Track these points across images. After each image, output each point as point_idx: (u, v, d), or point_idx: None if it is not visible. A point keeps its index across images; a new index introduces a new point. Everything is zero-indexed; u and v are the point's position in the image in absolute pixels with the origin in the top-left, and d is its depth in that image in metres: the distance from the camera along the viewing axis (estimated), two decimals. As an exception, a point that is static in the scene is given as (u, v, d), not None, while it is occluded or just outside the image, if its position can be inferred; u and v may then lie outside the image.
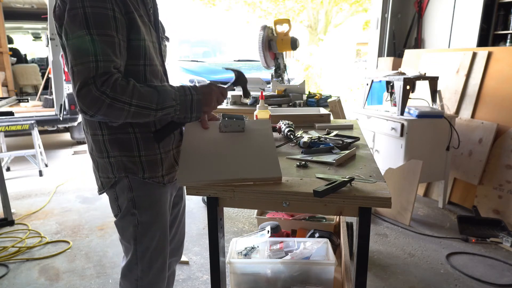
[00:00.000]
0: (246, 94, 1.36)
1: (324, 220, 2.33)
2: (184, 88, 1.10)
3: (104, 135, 1.11)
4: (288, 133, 1.62)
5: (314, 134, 1.64)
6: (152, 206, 1.18)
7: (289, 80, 3.29)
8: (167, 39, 1.27)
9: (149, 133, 1.12)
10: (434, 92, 3.06)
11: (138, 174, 1.13)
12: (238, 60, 5.64)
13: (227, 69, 1.41)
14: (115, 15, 0.98)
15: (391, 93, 3.26)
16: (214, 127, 1.23)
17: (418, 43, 4.46)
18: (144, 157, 1.13)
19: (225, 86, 1.22)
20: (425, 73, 3.10)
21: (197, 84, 1.16)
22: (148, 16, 1.12)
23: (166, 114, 1.06)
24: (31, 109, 5.18)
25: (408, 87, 2.90)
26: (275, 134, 1.74)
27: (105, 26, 0.96)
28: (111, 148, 1.11)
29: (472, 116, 3.21)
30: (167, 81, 1.24)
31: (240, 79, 1.32)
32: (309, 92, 2.99)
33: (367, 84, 3.41)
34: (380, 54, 4.74)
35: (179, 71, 5.14)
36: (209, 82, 1.16)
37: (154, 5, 1.17)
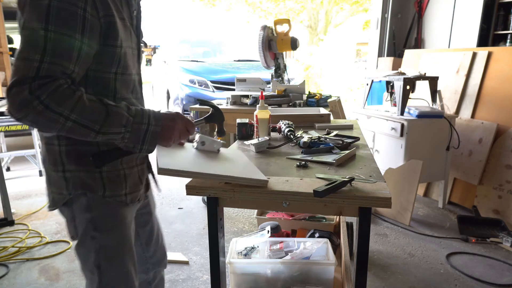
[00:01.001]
0: (221, 133, 1.21)
1: (324, 220, 2.33)
2: (143, 115, 0.95)
3: (61, 145, 0.97)
4: (288, 133, 1.62)
5: (314, 134, 1.64)
6: (115, 227, 1.05)
7: (289, 80, 3.29)
8: (145, 44, 1.15)
9: (112, 146, 0.98)
10: (434, 92, 3.06)
11: (98, 191, 0.99)
12: (238, 60, 5.64)
13: (202, 102, 1.26)
14: (86, 16, 0.86)
15: (391, 93, 3.26)
16: (187, 146, 1.16)
17: (418, 43, 4.46)
18: (105, 173, 0.99)
19: (195, 120, 1.10)
20: (425, 73, 3.10)
21: (164, 111, 1.01)
22: (131, 19, 1.02)
23: (111, 140, 0.92)
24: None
25: (408, 87, 2.90)
26: (275, 134, 1.74)
27: (68, 25, 0.84)
28: (67, 160, 0.97)
29: (472, 116, 3.21)
30: (141, 91, 1.13)
31: (215, 116, 1.18)
32: (309, 92, 2.99)
33: (367, 84, 3.41)
34: (380, 54, 4.74)
35: (179, 71, 5.14)
36: (176, 112, 1.01)
37: (138, 7, 1.06)
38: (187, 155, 1.09)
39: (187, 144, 1.16)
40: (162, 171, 0.93)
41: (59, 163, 0.98)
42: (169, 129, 0.99)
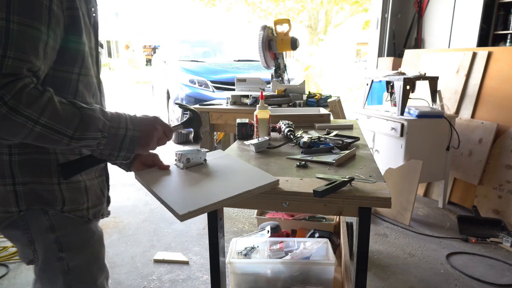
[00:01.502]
0: (197, 139, 1.15)
1: (324, 220, 2.34)
2: (120, 119, 0.87)
3: (13, 154, 0.84)
4: (288, 133, 1.62)
5: (314, 134, 1.64)
6: (84, 245, 0.95)
7: (289, 80, 3.29)
8: (101, 45, 1.03)
9: (73, 155, 0.90)
10: (434, 92, 3.06)
11: (56, 205, 0.88)
12: (238, 60, 5.64)
13: (180, 106, 1.20)
14: (52, 7, 0.77)
15: (391, 93, 3.26)
16: (173, 169, 1.11)
17: (418, 43, 4.46)
18: (64, 185, 0.88)
19: (173, 125, 1.02)
20: (425, 73, 3.10)
21: (141, 115, 0.94)
22: (89, 17, 0.91)
23: (85, 146, 0.83)
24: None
25: (408, 87, 2.90)
26: (275, 134, 1.74)
27: (33, 16, 0.74)
28: (20, 172, 0.85)
29: (472, 116, 3.21)
30: (102, 96, 1.03)
31: (193, 121, 1.12)
32: (309, 92, 2.99)
33: (367, 84, 3.41)
34: (380, 54, 4.74)
35: (179, 71, 5.14)
36: (154, 116, 0.95)
37: (95, 5, 0.95)
38: (187, 183, 1.04)
39: (172, 167, 1.12)
40: (185, 217, 0.85)
41: (8, 175, 0.85)
42: (149, 134, 0.92)
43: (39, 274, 0.95)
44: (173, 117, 5.26)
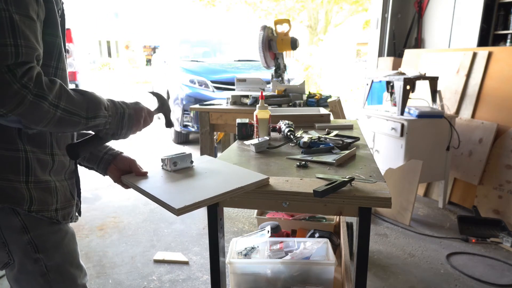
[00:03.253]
0: (169, 124, 1.16)
1: (324, 220, 2.33)
2: (113, 100, 0.91)
3: None
4: (288, 133, 1.62)
5: (314, 134, 1.64)
6: (59, 244, 0.94)
7: (289, 80, 3.29)
8: (67, 51, 1.03)
9: (44, 155, 0.89)
10: (434, 92, 3.06)
11: (23, 204, 0.85)
12: (238, 60, 5.63)
13: (152, 93, 1.21)
14: (39, 0, 0.78)
15: (391, 93, 3.26)
16: (158, 171, 1.13)
17: (418, 43, 4.46)
18: (32, 184, 0.87)
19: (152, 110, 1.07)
20: (425, 73, 3.10)
21: (125, 101, 0.97)
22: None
23: (96, 126, 0.86)
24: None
25: (408, 87, 2.90)
26: (275, 134, 1.74)
27: (27, 7, 0.75)
28: None
29: (472, 116, 3.21)
30: None
31: (163, 108, 1.13)
32: (309, 92, 2.99)
33: (367, 84, 3.41)
34: (380, 54, 4.74)
35: (179, 71, 5.14)
36: (135, 101, 1.00)
37: (62, 8, 0.94)
38: (179, 182, 1.05)
39: (159, 171, 1.13)
40: (182, 211, 0.86)
41: None
42: (139, 112, 0.97)
43: (17, 277, 0.93)
44: (173, 117, 5.26)
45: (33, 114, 0.74)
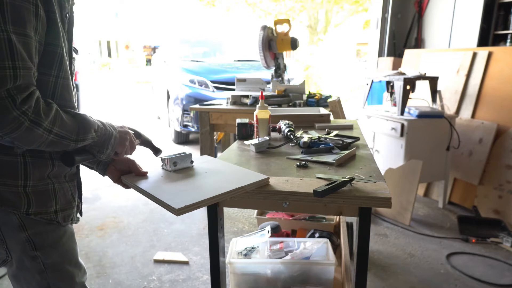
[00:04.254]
0: (157, 152, 1.17)
1: (324, 220, 2.33)
2: (103, 122, 0.95)
3: None
4: (288, 133, 1.62)
5: (314, 134, 1.64)
6: (58, 242, 0.95)
7: (289, 80, 3.29)
8: (76, 51, 1.04)
9: (43, 159, 0.91)
10: (434, 92, 3.06)
11: (21, 208, 0.87)
12: (238, 60, 5.63)
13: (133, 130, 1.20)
14: (38, 12, 0.79)
15: (391, 93, 3.26)
16: (158, 171, 1.13)
17: (418, 43, 4.46)
18: (30, 188, 0.88)
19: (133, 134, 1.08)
20: (425, 73, 3.10)
21: (112, 124, 1.01)
22: (63, 23, 0.90)
23: (84, 146, 0.91)
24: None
25: (408, 87, 2.90)
26: (275, 134, 1.74)
27: (25, 24, 0.76)
28: None
29: (472, 116, 3.21)
30: (78, 99, 1.06)
31: (144, 142, 1.14)
32: (309, 92, 2.99)
33: (367, 84, 3.41)
34: (380, 54, 4.74)
35: (179, 71, 5.14)
36: (123, 125, 1.03)
37: (71, 11, 0.95)
38: (179, 182, 1.05)
39: (159, 171, 1.13)
40: (181, 211, 0.87)
41: None
42: (124, 136, 1.00)
43: (15, 274, 0.94)
44: (173, 117, 5.26)
45: (27, 138, 0.78)
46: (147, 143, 1.14)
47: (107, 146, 0.95)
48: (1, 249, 0.90)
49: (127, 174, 1.10)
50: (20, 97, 0.73)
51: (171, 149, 5.27)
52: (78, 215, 1.05)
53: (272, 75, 3.11)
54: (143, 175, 1.09)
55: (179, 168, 1.14)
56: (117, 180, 1.10)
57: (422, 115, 2.89)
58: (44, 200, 0.90)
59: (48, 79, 0.87)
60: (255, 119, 1.62)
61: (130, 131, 1.04)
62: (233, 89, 3.22)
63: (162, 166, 1.16)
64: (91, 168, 1.12)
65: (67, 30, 0.93)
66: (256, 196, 1.05)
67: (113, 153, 0.98)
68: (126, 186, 1.09)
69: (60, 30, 0.87)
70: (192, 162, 1.18)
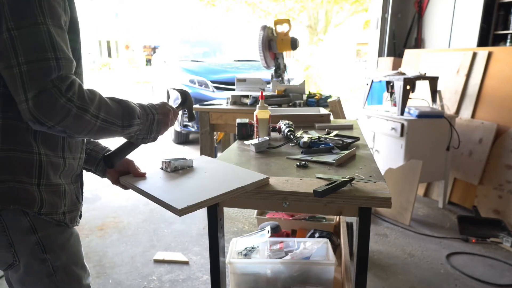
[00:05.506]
0: (191, 117, 1.23)
1: (324, 220, 2.33)
2: (144, 106, 0.97)
3: None
4: (288, 133, 1.62)
5: (314, 134, 1.64)
6: (66, 244, 0.94)
7: (289, 80, 3.29)
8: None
9: (57, 158, 0.90)
10: (434, 92, 3.06)
11: (34, 207, 0.85)
12: (238, 60, 5.63)
13: (173, 89, 1.32)
14: (65, 7, 0.81)
15: (391, 93, 3.26)
16: (156, 172, 1.13)
17: (418, 43, 4.46)
18: (44, 186, 0.87)
19: (175, 107, 1.11)
20: (425, 73, 3.10)
21: (152, 103, 1.03)
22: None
23: (129, 133, 0.92)
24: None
25: (408, 87, 2.90)
26: (275, 134, 1.74)
27: (59, 18, 0.78)
28: None
29: (472, 116, 3.21)
30: None
31: (186, 101, 1.19)
32: (309, 92, 2.99)
33: (367, 84, 3.41)
34: (380, 54, 4.74)
35: (179, 71, 5.14)
36: (163, 102, 1.06)
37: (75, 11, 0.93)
38: (179, 182, 1.06)
39: (158, 171, 1.13)
40: (184, 211, 0.87)
41: None
42: (167, 115, 1.02)
43: (22, 278, 0.91)
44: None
45: (77, 125, 0.79)
46: (190, 106, 1.19)
47: (151, 130, 0.98)
48: (8, 253, 0.87)
49: (125, 175, 1.10)
50: (64, 86, 0.75)
51: (171, 149, 5.27)
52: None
53: (272, 75, 3.11)
54: (142, 176, 1.09)
55: (179, 168, 1.14)
56: (116, 181, 1.10)
57: (422, 115, 2.89)
58: (55, 201, 0.90)
59: None
60: (255, 119, 1.62)
61: (170, 108, 1.05)
62: (233, 89, 3.22)
63: (161, 167, 1.16)
64: (88, 170, 1.11)
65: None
66: (256, 196, 1.05)
67: (158, 135, 1.01)
68: (125, 187, 1.09)
69: (78, 26, 0.88)
70: (191, 162, 1.18)
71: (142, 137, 0.97)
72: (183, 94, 1.18)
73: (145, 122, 0.95)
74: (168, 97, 5.50)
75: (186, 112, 1.22)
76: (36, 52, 0.74)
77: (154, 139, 1.00)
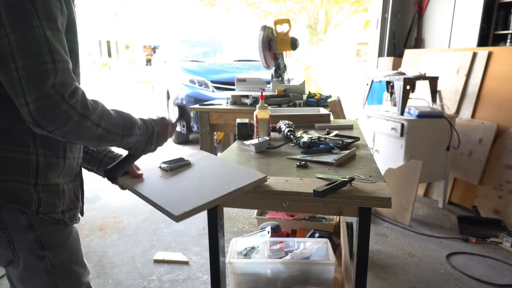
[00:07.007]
0: (189, 129, 1.32)
1: (324, 220, 2.33)
2: (144, 120, 1.00)
3: None
4: (288, 133, 1.62)
5: (314, 134, 1.64)
6: (65, 242, 0.95)
7: (289, 80, 3.29)
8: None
9: (57, 158, 0.91)
10: (434, 92, 3.06)
11: (31, 206, 0.86)
12: (238, 60, 5.63)
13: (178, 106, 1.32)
14: (62, 8, 0.80)
15: (391, 93, 3.26)
16: (155, 171, 1.14)
17: (418, 43, 4.46)
18: (41, 186, 0.88)
19: (173, 122, 1.14)
20: (425, 73, 3.10)
21: (151, 117, 1.06)
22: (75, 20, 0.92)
23: (128, 144, 0.94)
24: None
25: (408, 87, 2.90)
26: (275, 134, 1.74)
27: (56, 19, 0.78)
28: None
29: (472, 116, 3.21)
30: None
31: (184, 115, 1.21)
32: (309, 92, 2.99)
33: (367, 84, 3.41)
34: (380, 54, 4.73)
35: (179, 71, 5.14)
36: (162, 116, 1.09)
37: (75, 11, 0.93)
38: (177, 184, 1.06)
39: (156, 170, 1.14)
40: (181, 217, 0.87)
41: None
42: (165, 128, 1.06)
43: (22, 275, 0.92)
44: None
45: (77, 132, 0.79)
46: (187, 120, 1.22)
47: (151, 142, 1.01)
48: (8, 250, 0.89)
49: (124, 176, 1.09)
50: (67, 93, 0.76)
51: (170, 149, 5.27)
52: (79, 214, 1.06)
53: (272, 75, 3.11)
54: (138, 177, 1.09)
55: (176, 167, 1.14)
56: (115, 181, 1.10)
57: (422, 115, 2.89)
58: (53, 200, 0.91)
59: None
60: (255, 119, 1.62)
61: (170, 122, 1.08)
62: (233, 89, 3.21)
63: (159, 166, 1.16)
64: (90, 170, 1.12)
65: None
66: (256, 196, 1.05)
67: (157, 147, 1.05)
68: (123, 187, 1.09)
69: (76, 27, 0.88)
70: (190, 161, 1.18)
71: (142, 148, 1.00)
72: (181, 108, 1.20)
73: (145, 133, 0.97)
74: (168, 97, 5.50)
75: (185, 125, 1.26)
76: (33, 56, 0.74)
77: (153, 150, 1.04)
